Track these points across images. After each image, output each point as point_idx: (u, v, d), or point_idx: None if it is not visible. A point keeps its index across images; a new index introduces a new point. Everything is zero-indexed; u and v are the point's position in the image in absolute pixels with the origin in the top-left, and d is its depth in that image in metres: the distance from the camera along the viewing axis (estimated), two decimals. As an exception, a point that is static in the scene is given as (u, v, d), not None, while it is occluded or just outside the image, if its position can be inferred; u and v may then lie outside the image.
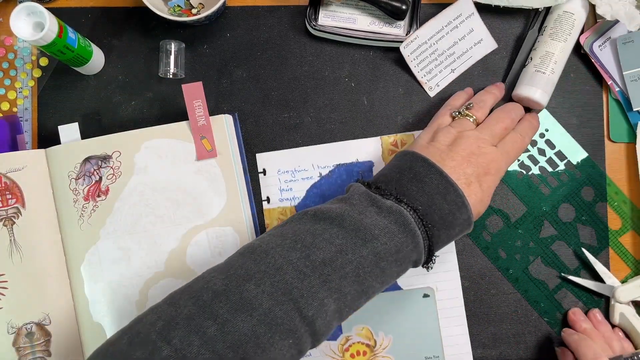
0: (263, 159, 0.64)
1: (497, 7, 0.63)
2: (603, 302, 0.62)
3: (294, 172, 0.64)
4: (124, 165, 0.60)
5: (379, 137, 0.64)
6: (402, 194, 0.48)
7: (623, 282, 0.62)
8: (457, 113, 0.56)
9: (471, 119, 0.55)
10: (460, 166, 0.50)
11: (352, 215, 0.46)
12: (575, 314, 0.61)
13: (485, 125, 0.54)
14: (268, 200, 0.63)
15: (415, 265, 0.49)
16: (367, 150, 0.64)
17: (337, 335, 0.62)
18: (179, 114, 0.64)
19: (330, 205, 0.48)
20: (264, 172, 0.63)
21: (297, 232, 0.46)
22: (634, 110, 0.62)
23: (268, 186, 0.63)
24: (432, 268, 0.51)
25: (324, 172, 0.63)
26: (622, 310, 0.60)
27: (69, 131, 0.61)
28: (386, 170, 0.52)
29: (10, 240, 0.59)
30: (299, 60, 0.65)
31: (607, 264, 0.62)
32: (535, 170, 0.63)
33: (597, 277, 0.62)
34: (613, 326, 0.61)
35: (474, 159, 0.51)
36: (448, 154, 0.51)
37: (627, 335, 0.61)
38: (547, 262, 0.63)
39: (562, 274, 0.62)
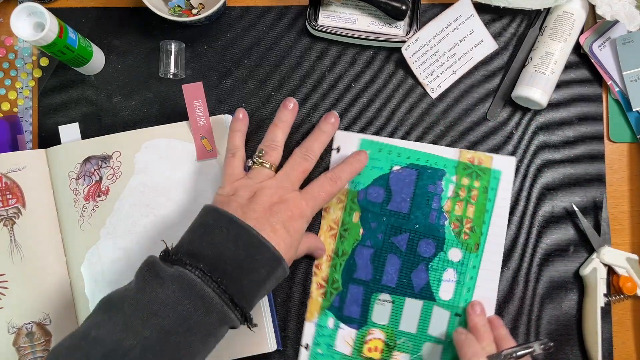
0: (340, 137, 0.63)
1: (496, 7, 0.63)
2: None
3: (370, 159, 0.62)
4: (124, 165, 0.60)
5: (457, 150, 0.63)
6: (192, 254, 0.47)
7: None
8: (251, 162, 0.56)
9: (267, 166, 0.55)
10: (264, 216, 0.50)
11: (131, 295, 0.46)
12: (473, 307, 0.60)
13: (283, 173, 0.55)
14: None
15: (233, 326, 0.48)
16: (444, 156, 0.63)
17: (362, 325, 0.61)
18: (179, 114, 0.64)
19: (121, 287, 0.48)
20: (338, 149, 0.63)
21: (86, 329, 0.45)
22: (633, 110, 0.62)
23: (336, 164, 0.61)
24: (254, 326, 0.50)
25: (396, 168, 0.62)
26: (596, 266, 0.61)
27: (69, 131, 0.61)
28: (188, 230, 0.51)
29: (11, 240, 0.59)
30: (299, 60, 0.65)
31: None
32: None
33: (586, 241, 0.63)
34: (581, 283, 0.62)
35: (276, 207, 0.51)
36: (249, 206, 0.51)
37: (586, 291, 0.61)
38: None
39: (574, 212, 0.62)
